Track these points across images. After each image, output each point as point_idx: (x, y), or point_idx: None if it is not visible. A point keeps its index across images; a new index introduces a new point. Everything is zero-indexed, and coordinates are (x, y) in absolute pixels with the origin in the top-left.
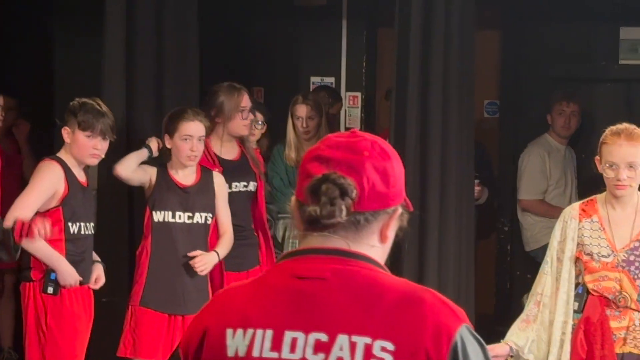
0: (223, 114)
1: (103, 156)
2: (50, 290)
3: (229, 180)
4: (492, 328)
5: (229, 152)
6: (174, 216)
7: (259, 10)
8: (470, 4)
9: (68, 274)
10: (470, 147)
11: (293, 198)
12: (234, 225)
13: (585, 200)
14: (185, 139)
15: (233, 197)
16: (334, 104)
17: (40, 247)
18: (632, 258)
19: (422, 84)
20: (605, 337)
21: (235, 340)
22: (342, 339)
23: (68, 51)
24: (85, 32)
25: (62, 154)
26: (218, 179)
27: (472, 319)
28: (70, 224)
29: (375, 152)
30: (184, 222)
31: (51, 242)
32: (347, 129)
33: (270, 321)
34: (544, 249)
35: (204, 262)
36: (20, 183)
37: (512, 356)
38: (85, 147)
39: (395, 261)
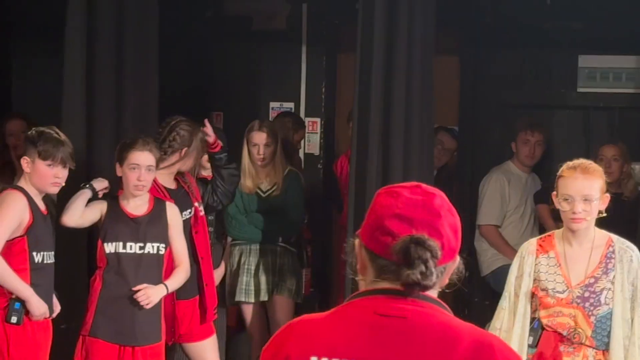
0: (187, 151)
1: (63, 184)
2: (14, 320)
3: (180, 210)
4: None
5: (170, 182)
6: (124, 247)
7: (218, 35)
8: (430, 29)
9: (37, 306)
10: (431, 175)
11: (357, 241)
12: None
13: (543, 235)
14: (133, 168)
15: (184, 225)
16: (298, 130)
17: (9, 277)
18: (587, 294)
19: (384, 107)
20: None
21: None
22: None
23: (26, 72)
24: (44, 54)
25: (22, 183)
26: (171, 209)
27: None
28: (34, 253)
29: (446, 210)
30: (135, 253)
31: (16, 272)
32: (306, 154)
33: (354, 353)
34: (495, 273)
35: (148, 295)
36: None
37: None
38: (46, 176)
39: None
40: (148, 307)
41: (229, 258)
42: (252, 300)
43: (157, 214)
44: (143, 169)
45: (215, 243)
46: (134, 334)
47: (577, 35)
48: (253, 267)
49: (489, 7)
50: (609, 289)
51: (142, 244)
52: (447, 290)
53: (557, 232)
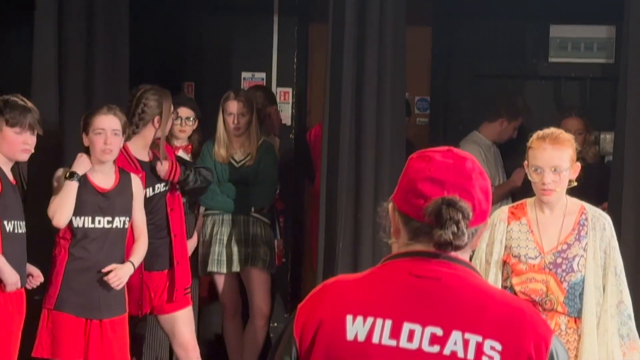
0: (160, 119)
1: (33, 151)
2: None
3: (153, 182)
4: None
5: (145, 154)
6: (93, 221)
7: (189, 5)
8: None
9: (9, 274)
10: (402, 143)
11: (390, 205)
12: (156, 225)
13: (515, 203)
14: (99, 133)
15: (158, 198)
16: (267, 106)
17: None
18: (559, 260)
19: (356, 78)
20: None
21: (355, 326)
22: (456, 335)
23: None
24: (13, 24)
25: None
26: (136, 181)
27: None
28: (5, 222)
29: (477, 173)
30: (104, 227)
31: None
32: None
33: (389, 312)
34: None
35: (119, 276)
36: None
37: None
38: (15, 143)
39: (329, 259)
40: (119, 287)
41: (202, 228)
42: (225, 270)
43: (123, 187)
44: (109, 133)
45: (188, 213)
46: (100, 307)
47: (548, 4)
48: (225, 238)
49: None
50: (582, 255)
51: (110, 218)
52: None
53: (530, 200)
